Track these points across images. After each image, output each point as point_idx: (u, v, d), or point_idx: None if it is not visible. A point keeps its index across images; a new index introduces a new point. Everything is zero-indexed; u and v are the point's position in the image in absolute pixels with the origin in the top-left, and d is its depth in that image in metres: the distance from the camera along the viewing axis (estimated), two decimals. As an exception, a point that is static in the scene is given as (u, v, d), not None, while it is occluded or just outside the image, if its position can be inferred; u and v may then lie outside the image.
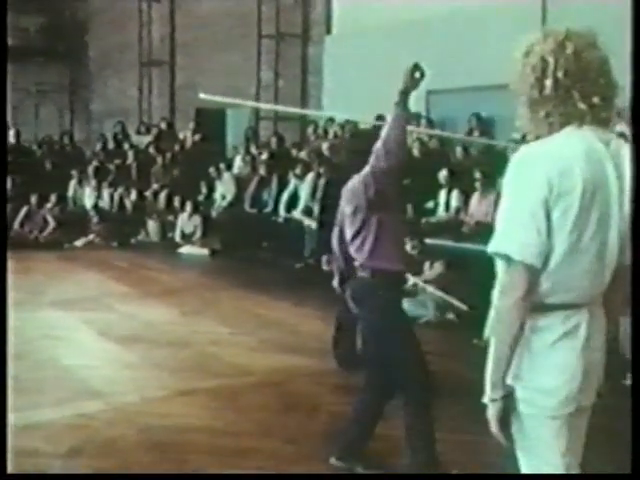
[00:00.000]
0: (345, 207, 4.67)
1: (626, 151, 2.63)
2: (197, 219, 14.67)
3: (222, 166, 15.56)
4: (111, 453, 5.09)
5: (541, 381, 2.62)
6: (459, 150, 11.50)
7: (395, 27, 13.62)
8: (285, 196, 13.72)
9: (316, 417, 5.82)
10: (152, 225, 15.64)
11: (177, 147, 17.30)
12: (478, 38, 12.26)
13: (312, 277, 11.62)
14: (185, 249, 14.42)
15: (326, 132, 14.61)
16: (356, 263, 4.63)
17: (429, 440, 4.50)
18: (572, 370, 2.61)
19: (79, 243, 15.29)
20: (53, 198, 15.82)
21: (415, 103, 12.83)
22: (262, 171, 14.48)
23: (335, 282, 5.25)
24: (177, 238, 14.82)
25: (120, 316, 9.11)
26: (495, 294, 2.67)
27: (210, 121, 18.12)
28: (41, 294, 10.15)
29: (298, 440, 5.32)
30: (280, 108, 15.73)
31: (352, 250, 4.64)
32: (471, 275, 8.16)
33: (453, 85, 12.60)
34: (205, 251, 14.19)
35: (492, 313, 2.67)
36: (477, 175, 9.82)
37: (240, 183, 15.03)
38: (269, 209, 14.11)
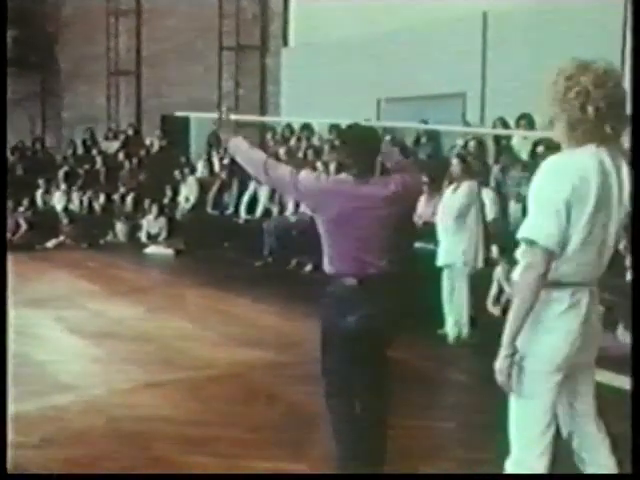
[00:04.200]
0: (387, 210, 4.09)
1: (624, 163, 3.12)
2: (162, 221, 14.62)
3: (186, 170, 15.54)
4: (81, 443, 5.07)
5: (550, 341, 3.07)
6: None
7: (347, 41, 13.68)
8: (245, 198, 13.74)
9: (274, 406, 5.83)
10: (120, 227, 15.56)
11: (143, 152, 17.21)
12: (424, 52, 12.37)
13: (270, 275, 11.67)
14: (151, 249, 14.34)
15: (284, 138, 14.63)
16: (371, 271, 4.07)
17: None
18: (575, 334, 3.07)
19: (50, 244, 15.14)
20: (25, 202, 15.68)
21: (367, 110, 12.91)
22: (223, 175, 14.47)
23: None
24: (143, 239, 14.75)
25: (89, 313, 9.05)
26: (517, 272, 3.16)
27: (175, 128, 18.02)
28: (14, 293, 10.01)
29: (258, 428, 5.33)
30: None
31: (375, 257, 4.10)
32: (421, 272, 8.21)
33: (402, 94, 12.68)
34: (170, 251, 14.13)
35: (511, 288, 3.20)
36: (425, 179, 9.87)
37: (203, 186, 15.00)
38: (230, 211, 14.11)
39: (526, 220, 3.06)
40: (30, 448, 4.91)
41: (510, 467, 3.19)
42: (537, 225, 2.99)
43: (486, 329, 7.59)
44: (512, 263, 7.09)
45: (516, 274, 3.19)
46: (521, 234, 3.04)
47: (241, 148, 4.27)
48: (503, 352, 3.03)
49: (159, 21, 19.02)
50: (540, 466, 3.13)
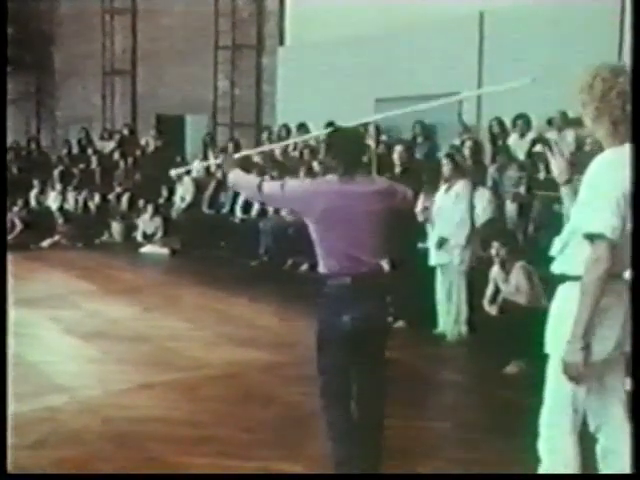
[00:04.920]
0: (373, 206, 4.11)
1: None
2: (158, 220, 14.58)
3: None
4: (76, 443, 5.07)
5: (602, 333, 3.19)
6: (405, 156, 11.51)
7: (343, 40, 13.67)
8: (241, 198, 13.70)
9: (270, 407, 5.82)
10: (115, 226, 15.53)
11: (139, 152, 17.19)
12: (421, 51, 12.37)
13: (267, 274, 11.67)
14: (147, 249, 14.31)
15: (280, 138, 14.62)
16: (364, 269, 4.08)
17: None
18: (621, 322, 3.23)
19: (45, 244, 15.11)
20: (20, 202, 15.66)
21: (363, 110, 12.89)
22: (219, 174, 14.45)
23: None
24: (139, 238, 14.72)
25: (85, 313, 9.03)
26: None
27: (170, 127, 18.02)
28: (9, 293, 10.00)
29: (253, 429, 5.33)
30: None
31: (368, 255, 4.10)
32: (417, 271, 8.24)
33: (399, 94, 12.66)
34: (166, 250, 14.10)
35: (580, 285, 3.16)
36: (424, 178, 9.89)
37: (199, 186, 14.99)
38: (226, 210, 14.09)
39: (586, 216, 3.17)
40: (24, 449, 4.89)
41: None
42: (602, 219, 3.10)
43: (481, 329, 7.60)
44: (507, 262, 7.09)
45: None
46: (587, 230, 3.15)
47: (238, 179, 4.37)
48: (577, 346, 3.13)
49: (155, 20, 19.00)
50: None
